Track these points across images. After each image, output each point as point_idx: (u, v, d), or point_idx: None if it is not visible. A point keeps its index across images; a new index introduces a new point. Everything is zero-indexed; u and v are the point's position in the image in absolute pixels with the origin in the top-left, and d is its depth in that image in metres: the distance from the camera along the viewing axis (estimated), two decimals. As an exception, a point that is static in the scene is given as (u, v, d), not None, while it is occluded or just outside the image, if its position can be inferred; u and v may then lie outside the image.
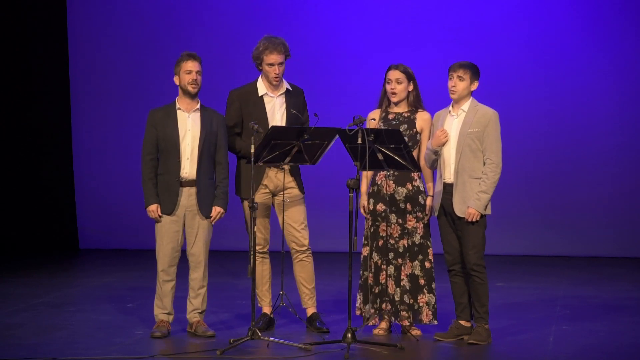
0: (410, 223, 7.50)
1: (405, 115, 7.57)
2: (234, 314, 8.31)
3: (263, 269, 7.78)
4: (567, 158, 11.80)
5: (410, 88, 7.57)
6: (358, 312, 7.57)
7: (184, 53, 7.49)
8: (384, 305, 7.51)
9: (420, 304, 7.48)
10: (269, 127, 7.43)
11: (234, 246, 11.39)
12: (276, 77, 7.61)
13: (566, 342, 7.40)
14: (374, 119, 7.56)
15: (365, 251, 7.58)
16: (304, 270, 7.77)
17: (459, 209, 7.25)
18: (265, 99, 7.68)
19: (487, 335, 7.30)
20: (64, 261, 11.78)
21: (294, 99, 7.73)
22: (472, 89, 7.33)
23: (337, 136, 7.16)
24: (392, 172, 7.46)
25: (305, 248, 7.75)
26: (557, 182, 11.84)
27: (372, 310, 7.49)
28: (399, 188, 7.51)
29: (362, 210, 7.59)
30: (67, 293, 9.55)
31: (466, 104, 7.32)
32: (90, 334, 7.61)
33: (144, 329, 7.70)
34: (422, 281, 7.49)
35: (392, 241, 7.51)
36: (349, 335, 6.96)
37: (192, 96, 7.46)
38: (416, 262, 7.50)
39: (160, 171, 7.46)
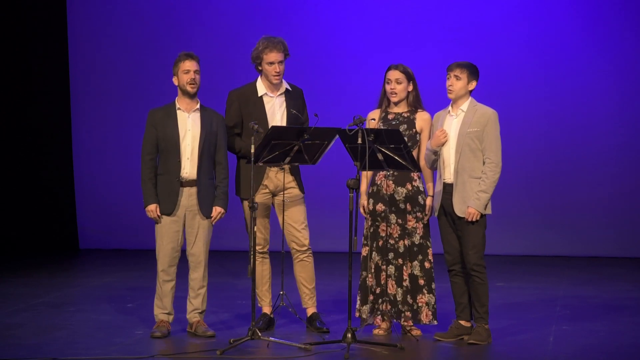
0: (410, 223, 7.50)
1: (405, 115, 7.57)
2: (234, 314, 8.30)
3: (263, 269, 7.77)
4: (567, 158, 11.80)
5: (410, 88, 7.56)
6: (357, 314, 7.57)
7: (182, 53, 7.48)
8: (384, 306, 7.50)
9: (420, 304, 7.48)
10: (269, 127, 7.43)
11: (234, 246, 11.39)
12: (276, 76, 7.59)
13: (566, 342, 7.40)
14: (374, 119, 7.56)
15: (364, 251, 7.58)
16: (304, 270, 7.77)
17: (459, 209, 7.24)
18: (265, 99, 7.67)
19: (487, 335, 7.30)
20: (64, 261, 11.77)
21: (293, 99, 7.72)
22: (469, 89, 7.32)
23: (337, 136, 7.16)
24: (391, 172, 7.46)
25: (305, 248, 7.74)
26: (557, 182, 11.83)
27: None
28: (399, 188, 7.51)
29: (361, 210, 7.59)
30: (67, 293, 9.54)
31: (465, 104, 7.32)
32: (90, 334, 7.60)
33: (144, 329, 7.70)
34: (421, 281, 7.49)
35: (392, 241, 7.51)
36: (349, 335, 6.96)
37: (191, 96, 7.45)
38: (416, 262, 7.50)
39: (160, 171, 7.46)
